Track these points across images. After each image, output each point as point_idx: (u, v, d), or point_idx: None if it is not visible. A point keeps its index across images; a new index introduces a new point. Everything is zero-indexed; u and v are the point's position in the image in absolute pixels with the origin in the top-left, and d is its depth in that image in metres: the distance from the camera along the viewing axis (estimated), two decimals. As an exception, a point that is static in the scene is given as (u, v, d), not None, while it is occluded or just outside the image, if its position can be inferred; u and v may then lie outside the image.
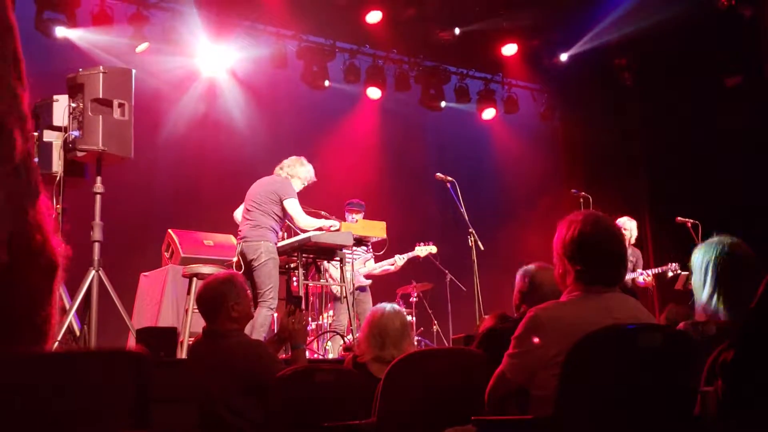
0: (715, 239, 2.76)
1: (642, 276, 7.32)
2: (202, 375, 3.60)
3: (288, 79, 8.95)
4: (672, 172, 9.61)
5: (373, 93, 9.49)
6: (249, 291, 3.83)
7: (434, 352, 3.59)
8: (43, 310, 0.49)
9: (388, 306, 3.75)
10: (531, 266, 3.45)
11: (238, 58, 8.54)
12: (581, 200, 7.55)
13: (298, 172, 6.13)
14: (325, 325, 6.81)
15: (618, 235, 2.47)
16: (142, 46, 7.81)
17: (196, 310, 4.14)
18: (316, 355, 6.17)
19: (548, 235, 2.60)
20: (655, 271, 7.43)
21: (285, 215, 5.94)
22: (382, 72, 9.38)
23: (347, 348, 5.78)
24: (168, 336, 4.60)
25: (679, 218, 7.46)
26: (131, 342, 5.33)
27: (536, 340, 2.35)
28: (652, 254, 9.79)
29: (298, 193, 6.04)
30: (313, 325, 6.69)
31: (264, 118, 8.84)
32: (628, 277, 6.91)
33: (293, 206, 5.87)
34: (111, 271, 5.27)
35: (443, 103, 9.84)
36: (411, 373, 3.06)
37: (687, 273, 7.35)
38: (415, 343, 6.89)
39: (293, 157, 6.23)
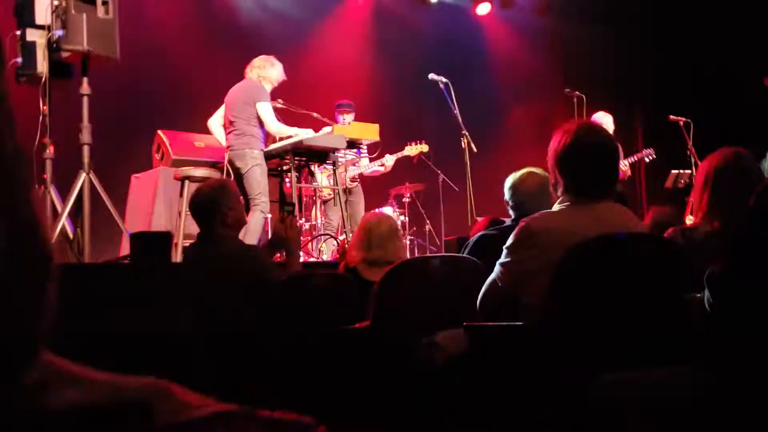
0: (725, 149, 2.75)
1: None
2: (197, 279, 3.66)
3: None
4: (666, 70, 9.50)
5: (365, -13, 9.19)
6: (241, 197, 3.84)
7: (429, 259, 3.64)
8: (40, 304, 0.48)
9: (378, 211, 3.84)
10: (515, 178, 3.46)
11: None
12: (575, 99, 7.44)
13: (269, 73, 6.13)
14: (319, 226, 6.84)
15: (609, 145, 2.45)
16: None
17: (189, 213, 4.15)
18: (310, 258, 6.23)
19: (541, 136, 2.59)
20: (631, 160, 7.41)
21: None
22: (373, -35, 9.06)
23: (341, 249, 5.85)
24: (163, 240, 4.62)
25: (671, 116, 7.42)
26: (125, 245, 5.37)
27: (528, 249, 2.38)
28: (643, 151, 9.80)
29: (273, 89, 6.09)
30: (306, 226, 6.73)
31: (254, 15, 8.59)
32: None
33: (265, 110, 5.91)
34: (101, 174, 5.23)
35: (436, -3, 9.57)
36: (406, 278, 3.12)
37: (677, 171, 7.39)
38: (407, 244, 6.97)
39: (262, 57, 6.18)
